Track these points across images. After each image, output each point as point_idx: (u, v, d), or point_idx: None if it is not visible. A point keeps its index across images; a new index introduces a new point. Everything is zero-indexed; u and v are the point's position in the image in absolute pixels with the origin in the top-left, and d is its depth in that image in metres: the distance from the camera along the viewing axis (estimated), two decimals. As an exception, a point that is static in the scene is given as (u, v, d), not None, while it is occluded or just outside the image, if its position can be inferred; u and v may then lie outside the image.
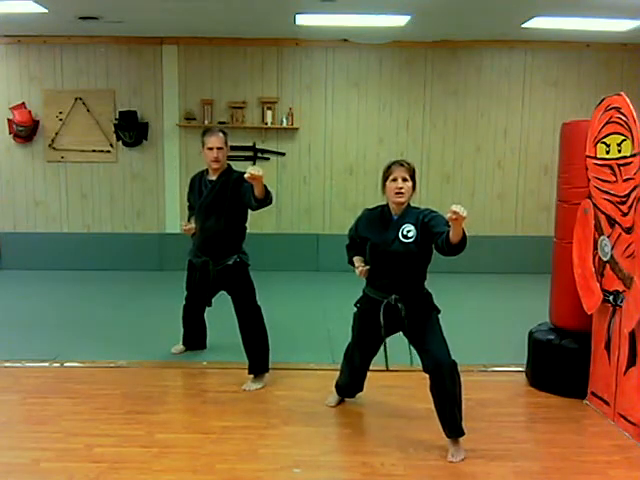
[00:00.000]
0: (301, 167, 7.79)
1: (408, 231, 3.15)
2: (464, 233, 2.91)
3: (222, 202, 3.99)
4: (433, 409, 3.21)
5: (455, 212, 2.76)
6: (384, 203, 3.29)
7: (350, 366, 3.62)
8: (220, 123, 7.52)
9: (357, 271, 3.32)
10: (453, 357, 3.18)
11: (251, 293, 4.11)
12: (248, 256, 4.14)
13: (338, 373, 3.76)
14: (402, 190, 3.15)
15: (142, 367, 4.37)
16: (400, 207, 3.20)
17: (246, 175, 3.48)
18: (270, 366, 4.14)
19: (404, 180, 3.16)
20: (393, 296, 3.19)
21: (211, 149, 4.00)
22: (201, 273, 4.11)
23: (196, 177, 4.25)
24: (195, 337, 4.68)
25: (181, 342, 4.68)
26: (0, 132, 7.54)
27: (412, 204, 3.28)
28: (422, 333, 3.20)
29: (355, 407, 3.78)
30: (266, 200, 3.76)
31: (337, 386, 3.76)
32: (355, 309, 3.47)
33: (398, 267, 3.18)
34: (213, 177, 4.06)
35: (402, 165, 3.18)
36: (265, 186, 3.67)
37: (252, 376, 4.06)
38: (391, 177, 3.17)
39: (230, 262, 4.03)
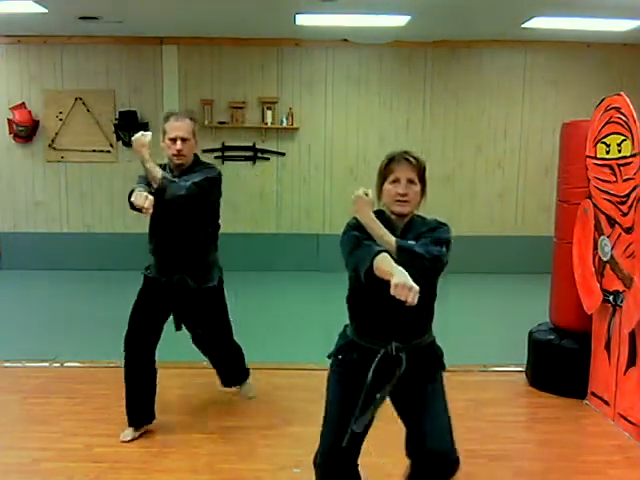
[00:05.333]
0: (301, 167, 7.79)
1: None
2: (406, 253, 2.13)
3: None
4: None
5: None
6: (379, 209, 2.35)
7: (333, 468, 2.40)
8: (220, 123, 7.54)
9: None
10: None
11: (226, 314, 3.51)
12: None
13: None
14: (405, 197, 2.22)
15: (142, 367, 4.37)
16: (402, 219, 2.28)
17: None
18: (270, 366, 4.12)
19: (409, 182, 2.23)
20: (394, 344, 2.21)
21: (174, 140, 3.08)
22: (170, 295, 3.22)
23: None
24: (146, 405, 3.35)
25: (128, 423, 3.31)
26: (0, 132, 7.54)
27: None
28: (420, 402, 2.27)
29: (355, 407, 3.78)
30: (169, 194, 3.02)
31: None
32: (330, 364, 2.45)
33: (401, 304, 2.06)
34: (176, 173, 3.18)
35: (407, 160, 2.24)
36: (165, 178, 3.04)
37: (238, 387, 3.73)
38: (391, 177, 2.24)
39: (215, 282, 3.32)
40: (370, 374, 2.19)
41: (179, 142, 3.06)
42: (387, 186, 2.26)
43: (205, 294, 3.28)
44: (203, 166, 3.24)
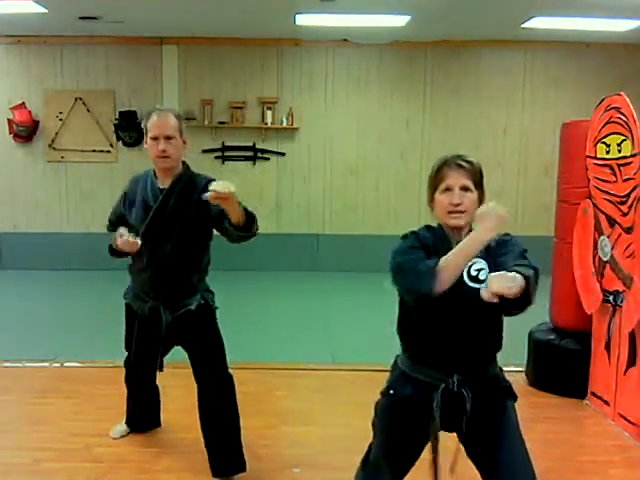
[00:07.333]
0: (301, 167, 7.79)
1: (478, 270, 1.93)
2: (528, 285, 1.75)
3: (182, 221, 2.71)
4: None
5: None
6: (432, 224, 2.10)
7: None
8: (220, 123, 7.53)
9: None
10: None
11: (219, 352, 2.89)
12: (214, 296, 2.93)
13: None
14: (460, 207, 1.96)
15: (142, 367, 4.37)
16: (459, 233, 2.00)
17: (208, 194, 2.32)
18: (270, 366, 4.11)
19: (464, 190, 1.97)
20: (455, 377, 1.97)
21: (156, 139, 2.68)
22: (148, 324, 2.83)
23: (138, 181, 2.86)
24: (145, 413, 3.40)
25: (124, 420, 3.38)
26: (0, 132, 7.54)
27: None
28: (494, 440, 2.02)
29: (355, 408, 3.77)
30: (250, 229, 2.56)
31: None
32: (381, 398, 2.13)
33: (464, 329, 1.97)
34: (165, 184, 2.75)
35: (461, 166, 1.98)
36: (246, 209, 2.54)
37: None
38: (443, 185, 1.99)
39: (192, 306, 2.81)
40: (437, 416, 1.95)
41: (162, 141, 2.66)
42: (439, 196, 2.00)
43: (181, 322, 2.83)
44: (206, 179, 2.77)
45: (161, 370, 2.97)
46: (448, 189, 1.97)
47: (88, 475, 2.92)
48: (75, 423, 3.46)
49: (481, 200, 2.00)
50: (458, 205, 1.95)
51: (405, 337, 2.10)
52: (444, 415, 1.97)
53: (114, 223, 2.90)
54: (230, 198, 2.36)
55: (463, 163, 1.98)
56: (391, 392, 2.08)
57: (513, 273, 1.72)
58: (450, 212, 1.97)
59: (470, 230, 1.98)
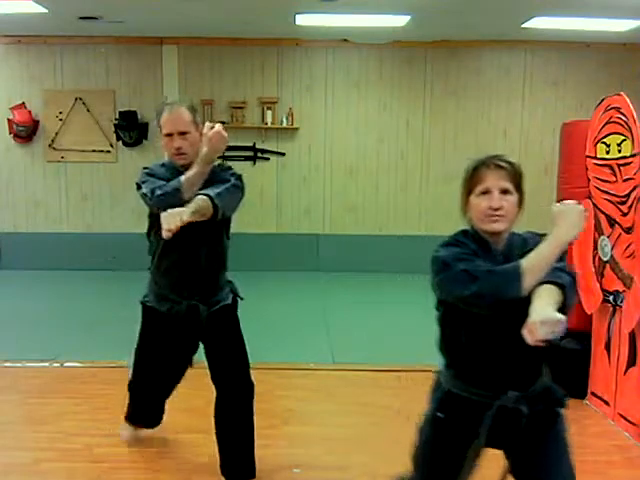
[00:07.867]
0: (301, 167, 7.79)
1: None
2: (565, 302, 1.75)
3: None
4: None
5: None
6: (465, 228, 1.94)
7: None
8: (220, 123, 7.53)
9: None
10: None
11: (243, 358, 2.81)
12: (234, 284, 2.93)
13: None
14: (499, 212, 1.82)
15: (142, 367, 4.37)
16: (499, 238, 1.88)
17: (164, 234, 2.25)
18: (270, 366, 4.10)
19: (504, 193, 1.83)
20: (510, 394, 1.83)
21: (170, 135, 2.56)
22: (185, 323, 2.71)
23: (160, 173, 2.64)
24: (154, 413, 3.20)
25: (128, 420, 3.18)
26: (0, 132, 7.54)
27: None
28: (542, 457, 1.90)
29: (355, 408, 3.78)
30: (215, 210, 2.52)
31: None
32: (426, 419, 2.00)
33: (516, 341, 1.69)
34: None
35: (500, 167, 1.84)
36: (210, 199, 2.48)
37: None
38: (480, 188, 1.84)
39: (229, 300, 2.79)
40: (483, 436, 1.83)
41: (177, 138, 2.54)
42: (475, 199, 1.85)
43: (216, 317, 2.76)
44: (219, 168, 2.69)
45: (191, 365, 2.96)
46: (486, 192, 1.83)
47: (88, 475, 2.92)
48: (75, 423, 3.46)
49: (521, 203, 1.88)
50: (498, 209, 1.81)
51: (451, 355, 1.94)
52: (493, 432, 1.84)
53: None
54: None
55: (503, 164, 1.84)
56: (439, 415, 1.94)
57: (554, 311, 1.63)
58: (489, 216, 1.82)
59: (510, 235, 1.90)
